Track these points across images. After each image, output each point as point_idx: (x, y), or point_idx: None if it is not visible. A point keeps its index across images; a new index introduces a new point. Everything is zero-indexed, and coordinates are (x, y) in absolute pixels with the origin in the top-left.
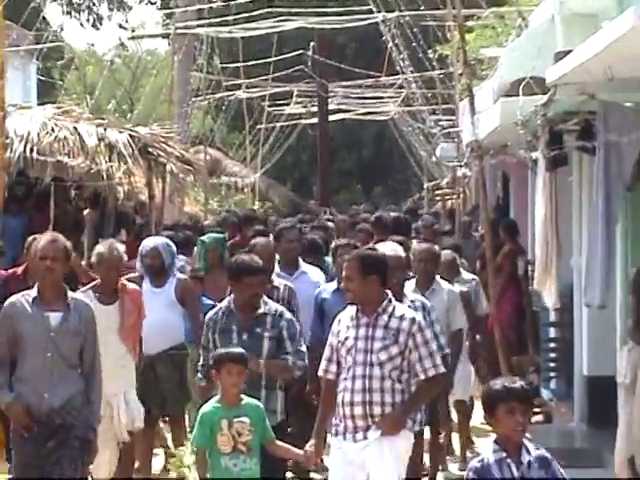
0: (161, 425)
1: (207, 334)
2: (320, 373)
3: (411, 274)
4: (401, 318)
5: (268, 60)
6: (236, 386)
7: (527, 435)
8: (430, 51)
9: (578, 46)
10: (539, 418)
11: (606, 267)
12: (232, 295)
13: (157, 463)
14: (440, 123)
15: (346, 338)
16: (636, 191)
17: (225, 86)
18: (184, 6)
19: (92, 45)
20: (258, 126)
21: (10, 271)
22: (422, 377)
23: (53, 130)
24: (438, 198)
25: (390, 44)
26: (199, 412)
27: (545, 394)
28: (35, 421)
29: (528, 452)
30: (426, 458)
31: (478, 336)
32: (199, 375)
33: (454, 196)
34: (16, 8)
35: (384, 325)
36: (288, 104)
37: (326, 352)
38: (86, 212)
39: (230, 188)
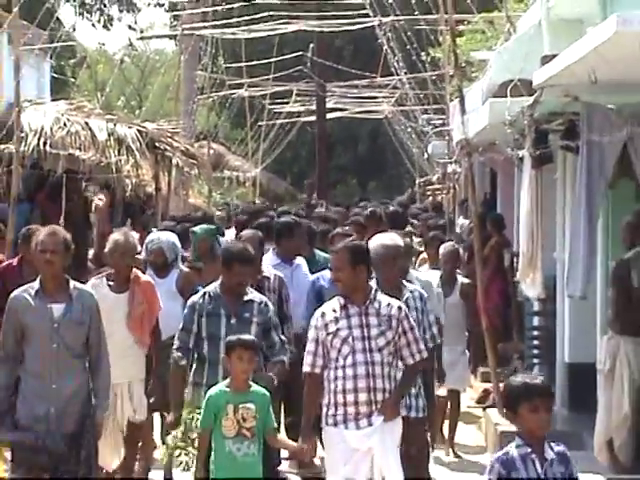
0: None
1: (191, 316)
2: (307, 368)
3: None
4: (389, 305)
5: (269, 60)
6: (246, 372)
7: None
8: (423, 54)
9: (563, 50)
10: None
11: (588, 260)
12: (220, 280)
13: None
14: (432, 122)
15: (338, 329)
16: (617, 189)
17: (228, 85)
18: (191, 9)
19: (103, 45)
20: (259, 123)
21: (5, 264)
22: (410, 362)
23: (65, 125)
24: (429, 193)
25: (385, 47)
26: (206, 395)
27: None
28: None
29: (551, 448)
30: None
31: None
32: (178, 354)
33: (444, 191)
34: (31, 9)
35: (376, 312)
36: (288, 102)
37: (309, 347)
38: (99, 198)
39: (232, 181)
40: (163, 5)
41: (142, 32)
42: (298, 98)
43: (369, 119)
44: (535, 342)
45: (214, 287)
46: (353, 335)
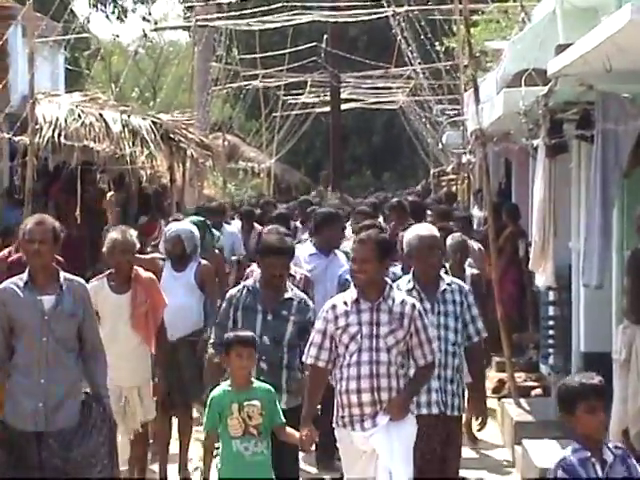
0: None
1: (227, 310)
2: (310, 360)
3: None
4: (402, 303)
5: (284, 52)
6: (246, 369)
7: (527, 407)
8: (437, 44)
9: (578, 39)
10: (538, 392)
11: (603, 250)
12: (259, 274)
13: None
14: (446, 112)
15: (347, 324)
16: (632, 178)
17: (243, 76)
18: (205, 0)
19: (117, 36)
20: (274, 114)
21: (15, 256)
22: (421, 363)
23: (80, 116)
24: (444, 183)
25: (399, 37)
26: (209, 396)
27: (544, 369)
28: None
29: (609, 450)
30: None
31: None
32: (211, 351)
33: (459, 181)
34: (45, 1)
35: (388, 310)
36: (302, 93)
37: (315, 338)
38: (110, 194)
39: (247, 173)
40: None
41: (156, 23)
42: (312, 89)
43: (383, 109)
44: (550, 332)
45: (253, 281)
46: (362, 332)
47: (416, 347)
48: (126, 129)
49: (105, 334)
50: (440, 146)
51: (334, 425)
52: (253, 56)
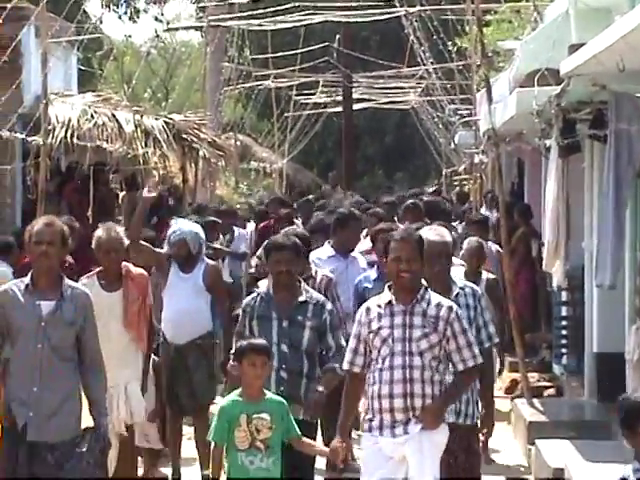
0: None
1: (244, 320)
2: (345, 366)
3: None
4: (438, 306)
5: (296, 52)
6: (260, 378)
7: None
8: (450, 44)
9: (591, 39)
10: (551, 392)
11: (616, 250)
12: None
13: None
14: (458, 112)
15: (380, 327)
16: None
17: (255, 76)
18: (217, 0)
19: (130, 37)
20: (286, 114)
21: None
22: (460, 368)
23: (92, 117)
24: (456, 183)
25: (412, 37)
26: (219, 405)
27: (557, 369)
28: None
29: None
30: None
31: None
32: (233, 363)
33: (471, 181)
34: (58, 1)
35: (422, 312)
36: (314, 93)
37: (351, 343)
38: (122, 195)
39: (259, 173)
40: None
41: (168, 24)
42: (324, 89)
43: (396, 109)
44: (563, 332)
45: (266, 288)
46: (394, 336)
47: (454, 352)
48: (139, 129)
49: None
50: (452, 146)
51: (360, 428)
52: (265, 56)
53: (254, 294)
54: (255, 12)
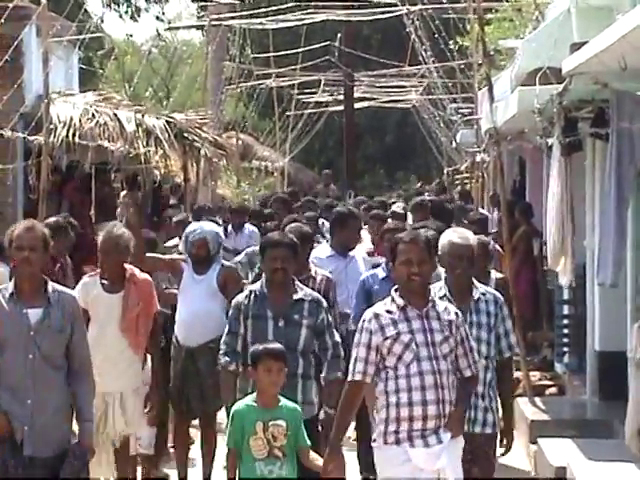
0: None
1: (237, 318)
2: (358, 377)
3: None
4: (446, 310)
5: (297, 51)
6: (275, 385)
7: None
8: (451, 42)
9: (593, 38)
10: (553, 391)
11: (618, 248)
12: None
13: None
14: (460, 111)
15: (398, 333)
16: None
17: (256, 75)
18: None
19: (131, 36)
20: (287, 113)
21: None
22: (468, 373)
23: (94, 116)
24: (458, 182)
25: (413, 36)
26: (231, 409)
27: (559, 368)
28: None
29: None
30: None
31: None
32: (226, 358)
33: (473, 180)
34: (59, 1)
35: (437, 316)
36: (316, 92)
37: (361, 353)
38: (123, 194)
39: (260, 172)
40: None
41: (169, 23)
42: (326, 88)
43: (397, 108)
44: (565, 330)
45: (260, 285)
46: (416, 340)
47: (462, 356)
48: (140, 129)
49: (92, 336)
50: (454, 145)
51: (378, 444)
52: (266, 55)
53: (246, 292)
54: (256, 11)
